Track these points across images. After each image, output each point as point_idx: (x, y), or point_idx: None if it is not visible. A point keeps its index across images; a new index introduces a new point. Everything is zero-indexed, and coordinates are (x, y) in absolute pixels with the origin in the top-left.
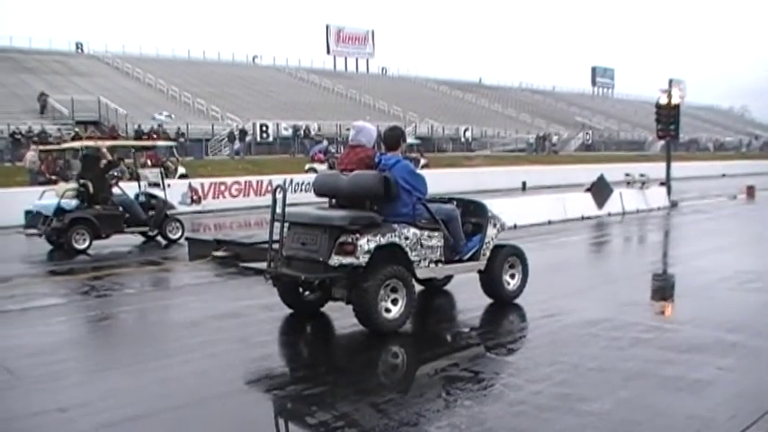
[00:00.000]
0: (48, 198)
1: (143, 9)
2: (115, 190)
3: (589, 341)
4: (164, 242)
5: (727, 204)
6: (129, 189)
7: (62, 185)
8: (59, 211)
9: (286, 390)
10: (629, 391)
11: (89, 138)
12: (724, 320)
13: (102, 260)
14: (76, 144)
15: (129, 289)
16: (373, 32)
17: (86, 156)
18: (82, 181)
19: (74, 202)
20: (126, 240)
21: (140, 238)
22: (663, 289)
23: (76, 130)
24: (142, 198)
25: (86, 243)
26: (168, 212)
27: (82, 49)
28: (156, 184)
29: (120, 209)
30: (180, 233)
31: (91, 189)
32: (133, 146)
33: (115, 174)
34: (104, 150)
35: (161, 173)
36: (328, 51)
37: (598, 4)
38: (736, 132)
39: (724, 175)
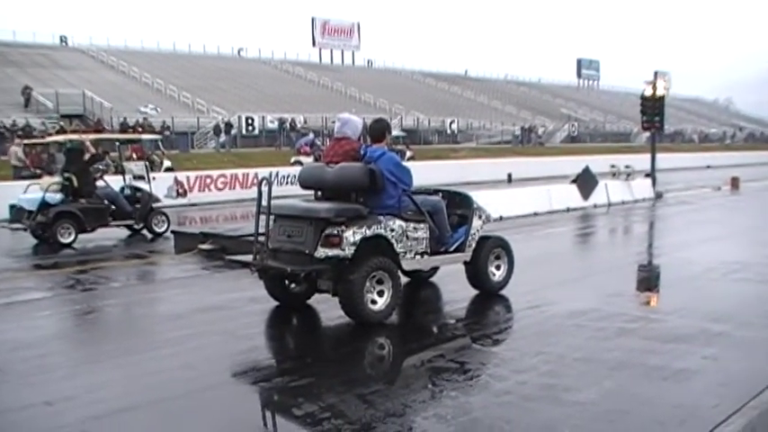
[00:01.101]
0: (32, 192)
1: (128, 2)
2: (100, 183)
3: (574, 332)
4: (149, 235)
5: (711, 195)
6: (114, 182)
7: (46, 179)
8: (44, 205)
9: (272, 382)
10: (615, 381)
11: (74, 131)
12: (709, 310)
13: (87, 254)
14: (61, 137)
15: (114, 282)
16: (359, 25)
17: (70, 149)
18: (66, 174)
19: (58, 196)
20: (111, 234)
21: (126, 232)
22: (648, 279)
23: (61, 123)
24: (127, 191)
25: (72, 237)
26: (154, 205)
27: (66, 43)
28: (142, 177)
29: (106, 202)
30: (166, 226)
31: (75, 183)
32: (117, 139)
33: (100, 167)
34: (88, 144)
35: (146, 166)
36: (314, 44)
37: None
38: (720, 124)
39: (709, 167)
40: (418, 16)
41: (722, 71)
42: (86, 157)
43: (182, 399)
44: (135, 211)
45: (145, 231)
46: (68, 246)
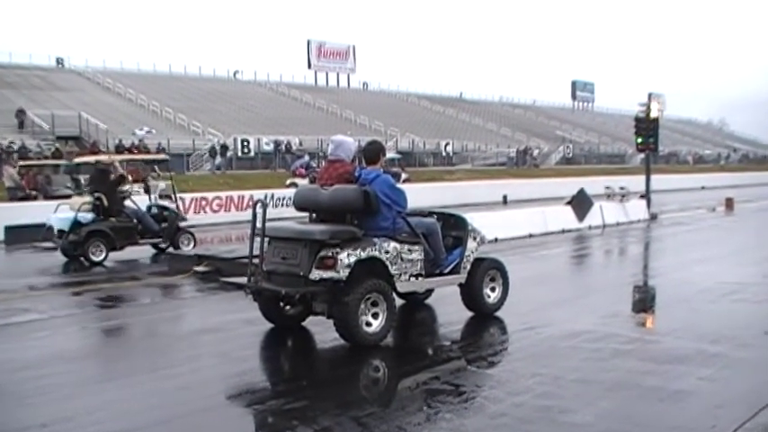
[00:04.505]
0: (62, 212)
1: (124, 24)
2: (127, 203)
3: (570, 353)
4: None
5: (706, 216)
6: (140, 201)
7: (76, 199)
8: (76, 224)
9: (267, 404)
10: (611, 403)
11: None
12: (705, 332)
13: (82, 276)
14: (91, 158)
15: (109, 303)
16: (354, 48)
17: (98, 170)
18: (96, 194)
19: (90, 216)
20: (113, 255)
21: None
22: (644, 300)
23: (57, 145)
24: (154, 210)
25: (102, 255)
26: (180, 224)
27: (62, 64)
28: (168, 197)
29: (134, 221)
30: (192, 245)
31: (105, 202)
32: (143, 159)
33: (126, 188)
34: (117, 164)
35: (173, 185)
36: (309, 66)
37: (578, 18)
38: (714, 145)
39: (703, 188)
40: (413, 39)
41: (716, 93)
42: (114, 177)
43: (178, 421)
44: (162, 230)
45: (171, 249)
46: (99, 264)
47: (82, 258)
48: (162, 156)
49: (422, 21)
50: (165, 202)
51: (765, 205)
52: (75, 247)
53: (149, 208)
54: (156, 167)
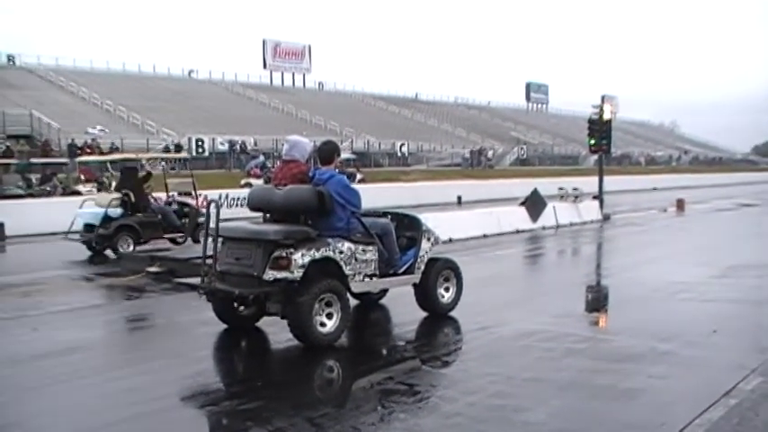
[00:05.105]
0: (88, 207)
1: (78, 22)
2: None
3: (523, 352)
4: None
5: (658, 217)
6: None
7: (102, 195)
8: (106, 218)
9: (221, 405)
10: (563, 401)
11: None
12: (656, 330)
13: (32, 275)
14: (118, 156)
15: (59, 306)
16: (310, 47)
17: (125, 168)
18: (124, 191)
19: (118, 211)
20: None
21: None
22: (596, 300)
23: (8, 144)
24: (175, 206)
25: (130, 248)
26: (200, 220)
27: (14, 62)
28: (188, 193)
29: (159, 216)
30: None
31: (132, 198)
32: (163, 158)
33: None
34: (144, 163)
35: (193, 182)
36: (265, 66)
37: (532, 20)
38: (666, 147)
39: (655, 189)
40: (369, 39)
41: (668, 96)
42: (141, 174)
43: (128, 423)
44: (183, 225)
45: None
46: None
47: (108, 251)
48: (184, 154)
49: (377, 21)
50: (187, 199)
51: (715, 206)
52: (104, 240)
53: (170, 204)
54: (110, 168)
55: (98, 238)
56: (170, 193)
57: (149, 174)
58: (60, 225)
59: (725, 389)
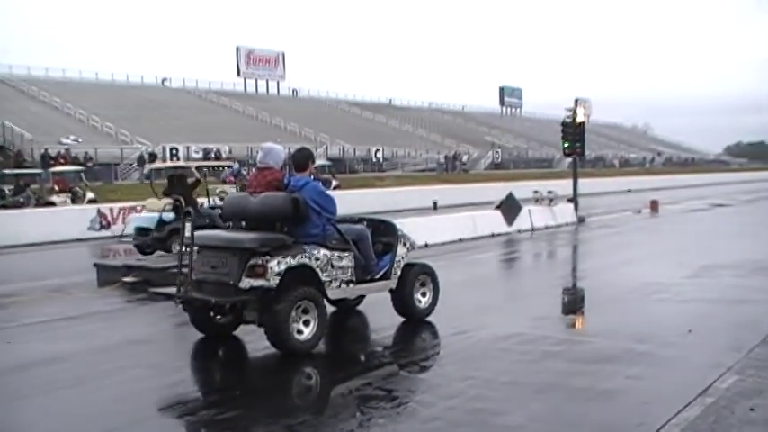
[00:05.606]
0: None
1: (49, 31)
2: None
3: (501, 356)
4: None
5: (632, 219)
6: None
7: (153, 201)
8: (161, 222)
9: (198, 415)
10: (541, 404)
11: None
12: (632, 331)
13: (6, 287)
14: (170, 164)
15: (35, 317)
16: (284, 55)
17: (179, 175)
18: (175, 196)
19: (171, 215)
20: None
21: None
22: (572, 302)
23: None
24: (219, 211)
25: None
26: None
27: None
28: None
29: (207, 220)
30: None
31: (183, 203)
32: (206, 166)
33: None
34: (194, 170)
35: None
36: (239, 73)
37: (505, 25)
38: (640, 149)
39: (629, 191)
40: (343, 46)
41: (640, 98)
42: (190, 181)
43: None
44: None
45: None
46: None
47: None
48: (228, 162)
49: (351, 28)
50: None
51: (688, 207)
52: (159, 243)
53: (213, 208)
54: (83, 176)
55: (153, 240)
56: (211, 198)
57: (198, 180)
58: (34, 236)
59: (701, 388)
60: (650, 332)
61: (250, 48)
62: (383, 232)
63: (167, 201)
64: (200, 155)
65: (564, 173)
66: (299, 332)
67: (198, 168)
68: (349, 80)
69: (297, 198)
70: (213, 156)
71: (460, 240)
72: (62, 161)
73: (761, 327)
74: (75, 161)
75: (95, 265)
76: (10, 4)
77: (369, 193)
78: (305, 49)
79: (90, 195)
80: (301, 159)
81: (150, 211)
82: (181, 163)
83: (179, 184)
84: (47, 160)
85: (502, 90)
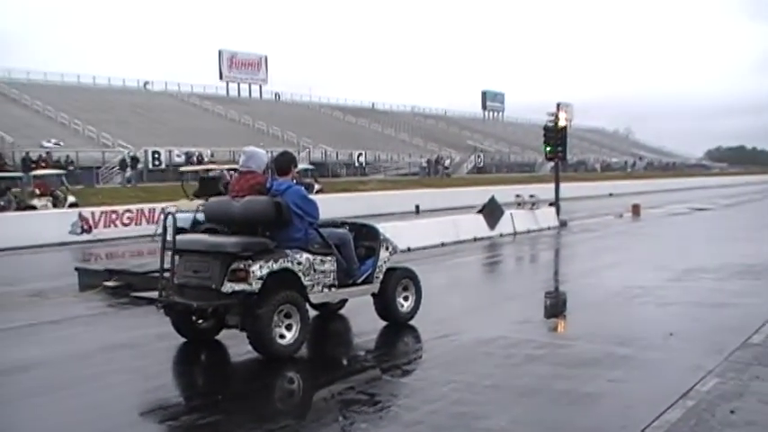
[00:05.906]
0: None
1: (31, 33)
2: None
3: (483, 359)
4: None
5: (614, 222)
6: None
7: (184, 201)
8: (195, 222)
9: (181, 420)
10: (524, 407)
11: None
12: (614, 334)
13: None
14: (201, 167)
15: (14, 322)
16: (266, 58)
17: (211, 177)
18: (206, 197)
19: (203, 216)
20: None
21: None
22: (555, 306)
23: None
24: None
25: None
26: None
27: None
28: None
29: None
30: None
31: None
32: (233, 169)
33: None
34: (225, 173)
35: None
36: (221, 77)
37: (487, 29)
38: (621, 153)
39: (611, 195)
40: (325, 50)
41: (622, 103)
42: (221, 183)
43: None
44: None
45: None
46: None
47: None
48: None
49: (333, 32)
50: None
51: (670, 211)
52: None
53: None
54: (64, 180)
55: None
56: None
57: (228, 183)
58: (15, 240)
59: (682, 390)
60: (632, 335)
61: (233, 51)
62: (365, 236)
63: (199, 202)
64: (183, 159)
65: (546, 177)
66: (282, 336)
67: (229, 171)
68: (332, 84)
69: (279, 202)
70: (195, 159)
71: (443, 244)
72: (43, 164)
73: (741, 330)
74: (56, 164)
75: (77, 269)
76: None
77: (351, 197)
78: (287, 52)
79: (71, 199)
80: (284, 163)
81: (183, 211)
82: (213, 166)
83: (212, 186)
84: (28, 164)
85: (484, 94)
